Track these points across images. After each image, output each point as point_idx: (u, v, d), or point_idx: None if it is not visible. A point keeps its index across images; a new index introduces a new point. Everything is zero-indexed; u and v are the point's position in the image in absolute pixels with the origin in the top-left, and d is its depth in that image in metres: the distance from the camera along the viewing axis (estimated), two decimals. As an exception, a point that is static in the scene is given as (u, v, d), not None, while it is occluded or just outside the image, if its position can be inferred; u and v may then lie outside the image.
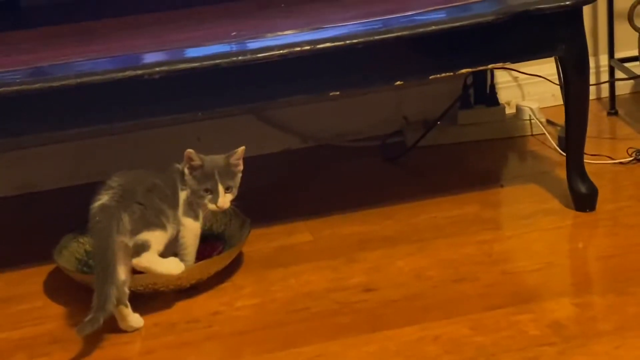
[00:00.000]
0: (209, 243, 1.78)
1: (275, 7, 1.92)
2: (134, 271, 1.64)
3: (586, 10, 1.91)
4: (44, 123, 1.66)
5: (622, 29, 2.25)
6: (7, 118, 1.64)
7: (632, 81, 2.34)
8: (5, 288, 1.76)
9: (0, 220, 2.05)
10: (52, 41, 1.84)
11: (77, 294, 1.67)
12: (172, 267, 1.63)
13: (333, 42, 1.70)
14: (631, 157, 2.05)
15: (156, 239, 1.63)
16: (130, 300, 1.62)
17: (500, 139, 2.21)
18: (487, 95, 2.26)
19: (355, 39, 1.70)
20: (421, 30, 1.72)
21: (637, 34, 2.19)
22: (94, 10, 1.99)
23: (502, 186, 2.01)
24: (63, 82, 1.63)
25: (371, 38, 1.71)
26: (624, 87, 2.35)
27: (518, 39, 1.77)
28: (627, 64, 2.28)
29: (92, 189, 1.65)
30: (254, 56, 1.68)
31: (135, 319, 1.60)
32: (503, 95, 2.30)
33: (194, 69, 1.67)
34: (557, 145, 2.12)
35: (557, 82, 2.21)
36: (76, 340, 1.57)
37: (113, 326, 1.60)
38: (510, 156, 2.17)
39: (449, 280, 1.68)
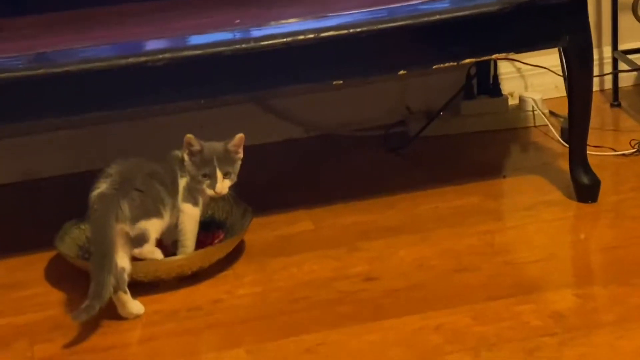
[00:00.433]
0: (211, 231, 1.78)
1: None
2: (134, 258, 1.64)
3: (590, 1, 1.91)
4: (45, 109, 1.66)
5: (626, 21, 2.24)
6: (8, 104, 1.63)
7: (635, 73, 2.33)
8: (7, 274, 1.76)
9: (3, 207, 2.05)
10: (53, 28, 1.83)
11: (78, 280, 1.67)
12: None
13: (337, 30, 1.69)
14: (634, 149, 2.04)
15: (154, 227, 1.63)
16: (131, 288, 1.61)
17: (503, 130, 2.20)
18: (491, 86, 2.26)
19: (359, 27, 1.70)
20: (425, 19, 1.71)
21: (641, 25, 2.19)
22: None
23: (504, 177, 2.01)
24: (65, 69, 1.62)
25: (375, 27, 1.70)
26: (627, 79, 2.34)
27: (522, 30, 1.77)
28: (630, 56, 2.27)
29: (94, 177, 1.64)
30: (257, 44, 1.68)
31: (135, 306, 1.60)
32: (506, 86, 2.30)
33: (197, 57, 1.66)
34: (560, 137, 2.12)
35: (561, 74, 2.21)
36: (77, 326, 1.57)
37: (114, 313, 1.60)
38: (513, 147, 2.16)
39: (451, 270, 1.68)
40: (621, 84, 2.31)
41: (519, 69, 2.33)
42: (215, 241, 1.75)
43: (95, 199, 1.60)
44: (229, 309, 1.62)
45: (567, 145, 1.92)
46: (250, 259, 1.76)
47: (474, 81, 2.25)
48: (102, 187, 1.61)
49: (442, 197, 1.92)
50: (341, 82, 1.75)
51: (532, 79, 2.33)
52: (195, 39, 1.70)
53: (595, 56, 1.97)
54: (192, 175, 1.67)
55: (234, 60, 1.67)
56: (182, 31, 1.75)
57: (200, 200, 1.69)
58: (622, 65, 2.29)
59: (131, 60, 1.64)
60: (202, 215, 1.71)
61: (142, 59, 1.64)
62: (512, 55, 2.04)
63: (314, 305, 1.61)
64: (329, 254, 1.76)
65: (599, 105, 2.25)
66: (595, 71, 2.17)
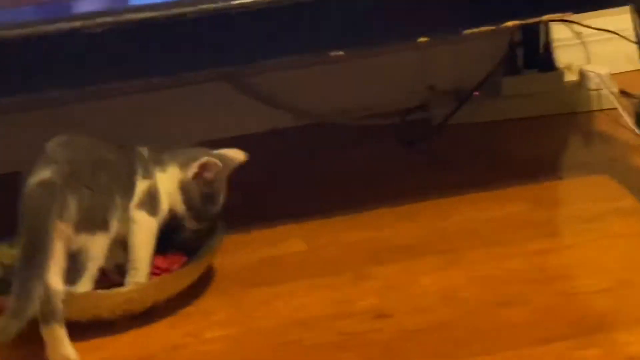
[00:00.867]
0: (169, 253, 1.77)
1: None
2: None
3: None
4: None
5: None
6: None
7: None
8: None
9: None
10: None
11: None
12: None
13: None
14: None
15: (97, 246, 1.64)
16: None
17: (558, 115, 2.22)
18: (541, 58, 2.27)
19: (365, -22, 1.70)
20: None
21: None
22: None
23: (560, 178, 2.02)
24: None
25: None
26: None
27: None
28: None
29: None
30: (230, 3, 1.67)
31: (70, 349, 1.59)
32: (562, 57, 2.30)
33: (151, 21, 1.66)
34: (634, 124, 2.12)
35: (634, 40, 2.20)
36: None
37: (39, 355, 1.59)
38: (571, 138, 2.18)
39: (489, 303, 1.68)
40: None
41: (578, 34, 2.34)
42: (175, 267, 1.75)
43: (34, 187, 1.60)
44: (193, 359, 1.61)
45: (643, 135, 1.93)
46: (222, 291, 1.76)
47: (519, 51, 2.25)
48: (44, 173, 1.61)
49: (477, 206, 1.93)
50: (342, 53, 1.75)
51: (597, 47, 2.34)
52: (146, -3, 1.70)
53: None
54: (195, 208, 1.73)
55: (200, 26, 1.67)
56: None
57: (160, 213, 1.71)
58: None
59: (60, 25, 1.63)
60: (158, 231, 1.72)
61: (76, 24, 1.64)
62: (569, 16, 2.03)
63: (307, 351, 1.60)
64: (327, 283, 1.76)
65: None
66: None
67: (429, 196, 1.97)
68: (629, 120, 2.15)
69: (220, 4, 1.68)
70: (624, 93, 2.26)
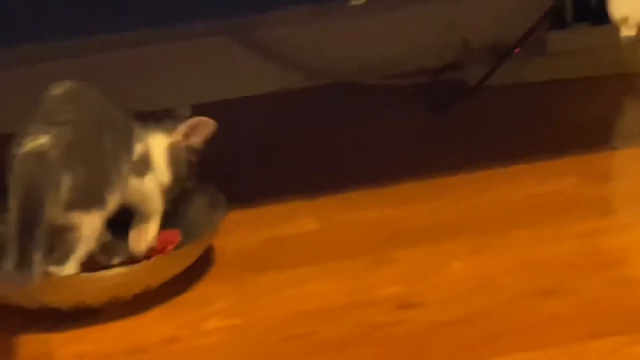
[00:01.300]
0: (162, 232, 1.78)
1: None
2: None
3: None
4: None
5: None
6: None
7: None
8: None
9: None
10: None
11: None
12: None
13: None
14: None
15: (91, 225, 1.65)
16: (42, 319, 1.62)
17: (612, 75, 2.22)
18: (593, 9, 2.26)
19: None
20: None
21: None
22: None
23: (613, 148, 2.02)
24: None
25: None
26: None
27: None
28: None
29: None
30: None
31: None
32: (618, 9, 2.29)
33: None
34: (701, 87, 2.13)
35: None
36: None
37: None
38: (627, 103, 2.19)
39: (530, 292, 1.67)
40: None
41: (636, -17, 2.33)
42: (169, 247, 1.76)
43: (27, 156, 1.61)
44: (191, 352, 1.61)
45: None
46: (223, 276, 1.76)
47: (568, 1, 2.24)
48: (41, 139, 1.62)
49: (518, 181, 1.93)
50: (361, 1, 1.75)
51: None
52: None
53: None
54: (179, 178, 1.76)
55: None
56: None
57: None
58: None
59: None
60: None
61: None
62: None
63: (320, 345, 1.60)
64: (344, 268, 1.76)
65: None
66: None
67: (461, 169, 1.97)
68: (694, 83, 2.15)
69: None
70: (689, 50, 2.26)
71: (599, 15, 2.26)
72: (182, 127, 1.76)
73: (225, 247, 1.80)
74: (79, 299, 1.66)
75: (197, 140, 1.77)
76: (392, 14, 2.26)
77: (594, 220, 1.82)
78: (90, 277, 1.66)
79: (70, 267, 1.64)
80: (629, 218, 1.85)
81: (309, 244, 1.82)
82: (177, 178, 1.76)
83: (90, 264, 1.68)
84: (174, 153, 1.76)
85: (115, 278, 1.67)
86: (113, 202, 1.68)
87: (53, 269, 1.63)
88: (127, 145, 1.70)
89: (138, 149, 1.72)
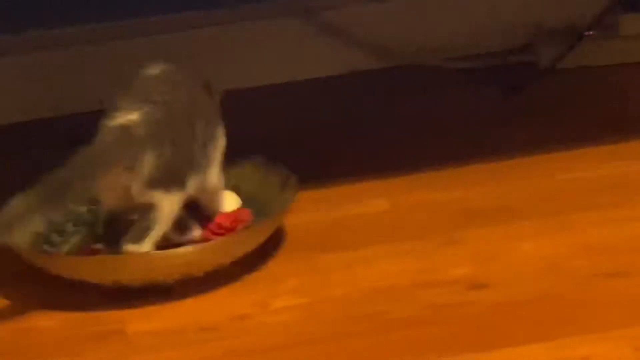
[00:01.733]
0: (234, 211, 1.79)
1: None
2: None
3: None
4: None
5: None
6: None
7: None
8: None
9: None
10: None
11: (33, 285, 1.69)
12: None
13: None
14: None
15: (171, 205, 1.67)
16: (113, 297, 1.63)
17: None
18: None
19: None
20: None
21: None
22: None
23: (686, 131, 2.00)
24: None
25: None
26: None
27: None
28: None
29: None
30: None
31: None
32: (690, -9, 2.27)
33: None
34: None
35: None
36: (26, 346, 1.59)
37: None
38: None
39: (602, 274, 1.67)
40: None
41: None
42: (240, 226, 1.76)
43: (114, 128, 1.63)
44: (260, 330, 1.62)
45: None
46: (293, 255, 1.77)
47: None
48: (132, 115, 1.63)
49: (589, 163, 1.92)
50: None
51: None
52: None
53: None
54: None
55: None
56: None
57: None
58: None
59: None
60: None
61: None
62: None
63: (390, 325, 1.60)
64: (413, 248, 1.76)
65: None
66: None
67: (532, 151, 1.96)
68: None
69: None
70: None
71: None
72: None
73: (295, 227, 1.81)
74: (151, 276, 1.68)
75: None
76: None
77: (667, 202, 1.82)
78: (163, 255, 1.67)
79: (145, 247, 1.66)
80: (702, 201, 1.84)
81: (378, 224, 1.83)
82: None
83: (162, 241, 1.69)
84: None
85: (187, 256, 1.68)
86: (193, 187, 1.69)
87: (129, 246, 1.65)
88: (214, 135, 1.72)
89: (220, 143, 1.74)
